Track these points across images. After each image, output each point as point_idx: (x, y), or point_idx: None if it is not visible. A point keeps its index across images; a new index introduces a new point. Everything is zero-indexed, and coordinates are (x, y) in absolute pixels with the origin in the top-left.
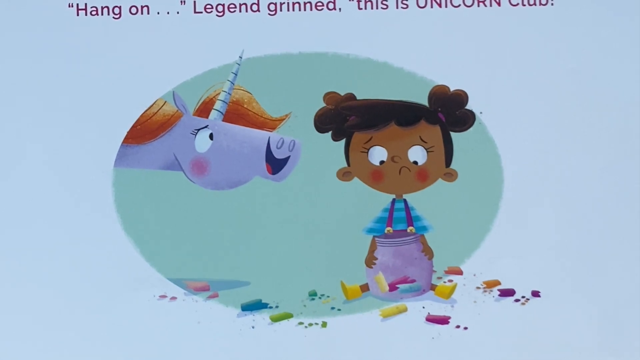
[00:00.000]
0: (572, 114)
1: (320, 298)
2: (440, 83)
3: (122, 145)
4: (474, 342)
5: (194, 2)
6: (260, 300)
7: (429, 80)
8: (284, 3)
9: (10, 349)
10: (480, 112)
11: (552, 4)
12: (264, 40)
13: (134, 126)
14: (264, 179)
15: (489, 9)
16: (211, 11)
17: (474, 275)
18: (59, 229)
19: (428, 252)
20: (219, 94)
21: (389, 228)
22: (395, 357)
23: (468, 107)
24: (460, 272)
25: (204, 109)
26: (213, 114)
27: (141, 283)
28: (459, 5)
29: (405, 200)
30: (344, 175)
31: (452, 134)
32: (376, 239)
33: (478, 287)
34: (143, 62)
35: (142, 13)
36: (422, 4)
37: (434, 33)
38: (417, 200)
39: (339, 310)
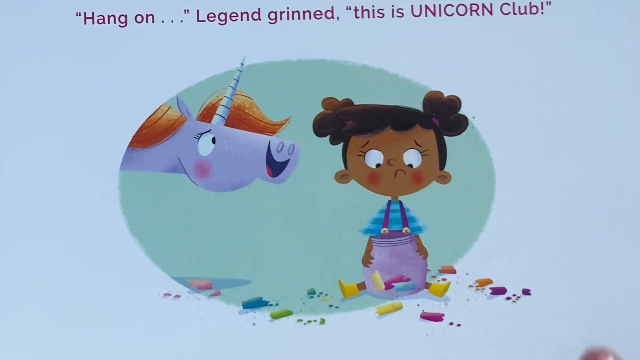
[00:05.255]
0: (561, 119)
1: (318, 296)
2: (434, 89)
3: (127, 149)
4: (467, 339)
5: (197, 11)
6: (261, 298)
7: (423, 86)
8: (284, 12)
9: (17, 345)
10: (473, 117)
11: (542, 13)
12: (264, 48)
13: (139, 130)
14: (264, 181)
15: (481, 17)
16: (214, 20)
17: (467, 274)
18: (67, 230)
19: (423, 252)
20: (221, 99)
21: (385, 229)
22: (390, 353)
23: (461, 112)
24: (453, 271)
25: (207, 114)
26: (215, 119)
27: (146, 281)
28: (453, 14)
29: (400, 202)
30: (342, 177)
31: (446, 138)
32: (373, 239)
33: (471, 286)
34: (148, 68)
35: (147, 21)
36: (417, 12)
37: (429, 41)
38: (412, 201)
39: (336, 307)
